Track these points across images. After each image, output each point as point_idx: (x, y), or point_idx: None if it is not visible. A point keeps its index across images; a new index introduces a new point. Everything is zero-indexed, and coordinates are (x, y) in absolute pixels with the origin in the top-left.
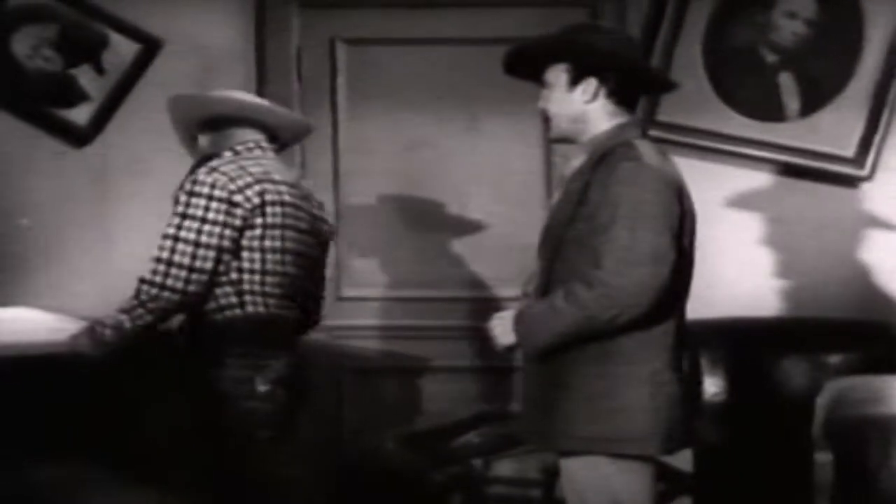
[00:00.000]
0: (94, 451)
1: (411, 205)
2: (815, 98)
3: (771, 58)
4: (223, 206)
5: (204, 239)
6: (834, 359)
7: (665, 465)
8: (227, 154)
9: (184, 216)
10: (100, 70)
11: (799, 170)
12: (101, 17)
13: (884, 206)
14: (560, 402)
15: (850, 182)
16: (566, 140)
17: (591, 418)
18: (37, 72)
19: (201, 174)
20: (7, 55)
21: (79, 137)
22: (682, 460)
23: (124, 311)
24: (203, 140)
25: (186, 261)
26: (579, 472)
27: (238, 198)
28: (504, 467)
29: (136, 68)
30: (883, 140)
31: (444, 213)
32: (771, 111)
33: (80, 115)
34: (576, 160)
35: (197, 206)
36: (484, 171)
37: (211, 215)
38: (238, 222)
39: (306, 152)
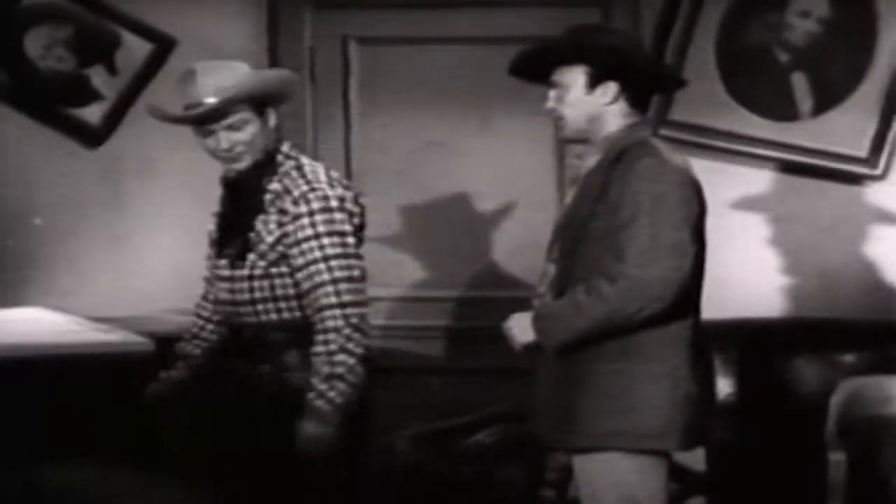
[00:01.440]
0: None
1: (423, 204)
2: (828, 97)
3: (784, 57)
4: (347, 217)
5: (352, 250)
6: (847, 359)
7: (678, 465)
8: (280, 157)
9: (330, 234)
10: (112, 70)
11: (811, 169)
12: (113, 16)
13: None
14: (578, 399)
15: (863, 181)
16: (579, 140)
17: (609, 415)
18: (50, 71)
19: (325, 188)
20: (20, 55)
21: (91, 137)
22: (695, 460)
23: (343, 364)
24: (255, 130)
25: (357, 273)
26: (595, 469)
27: (349, 206)
28: (516, 467)
29: (149, 68)
30: None
31: (456, 213)
32: (783, 111)
33: (92, 114)
34: (590, 159)
35: (343, 222)
36: (496, 171)
37: (348, 227)
38: (351, 229)
39: (319, 151)
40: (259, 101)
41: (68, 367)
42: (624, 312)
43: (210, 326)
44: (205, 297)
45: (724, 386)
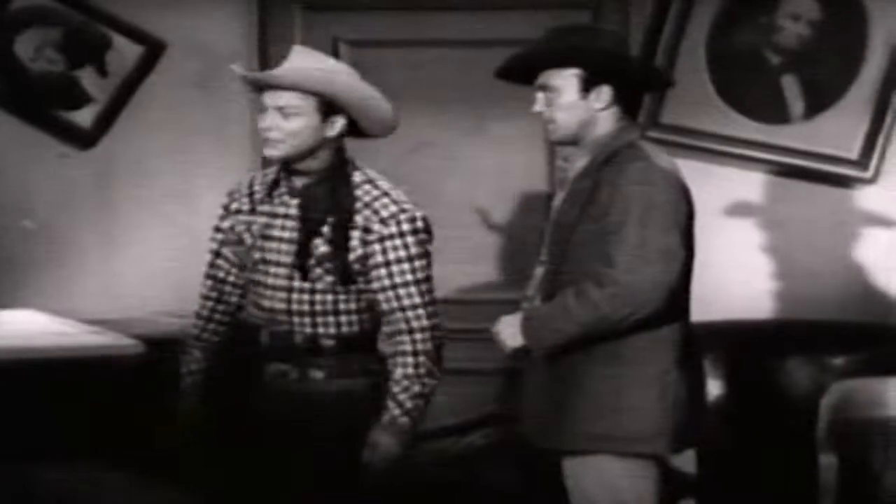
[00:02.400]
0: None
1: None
2: (819, 100)
3: (774, 60)
4: (429, 238)
5: (432, 272)
6: (838, 361)
7: (669, 468)
8: (348, 167)
9: (420, 256)
10: (103, 72)
11: (802, 172)
12: (104, 19)
13: (887, 207)
14: (568, 401)
15: (854, 184)
16: (568, 143)
17: (599, 417)
18: (40, 74)
19: (413, 209)
20: (11, 57)
21: (82, 139)
22: (686, 462)
23: (430, 385)
24: (305, 126)
25: (436, 295)
26: (585, 472)
27: (429, 226)
28: (508, 469)
29: (140, 70)
30: (887, 142)
31: (448, 215)
32: (774, 113)
33: (83, 117)
34: (579, 161)
35: (428, 244)
36: (488, 173)
37: (429, 248)
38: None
39: None
40: (327, 103)
41: (59, 370)
42: (613, 317)
43: (211, 326)
44: (209, 297)
45: (715, 388)
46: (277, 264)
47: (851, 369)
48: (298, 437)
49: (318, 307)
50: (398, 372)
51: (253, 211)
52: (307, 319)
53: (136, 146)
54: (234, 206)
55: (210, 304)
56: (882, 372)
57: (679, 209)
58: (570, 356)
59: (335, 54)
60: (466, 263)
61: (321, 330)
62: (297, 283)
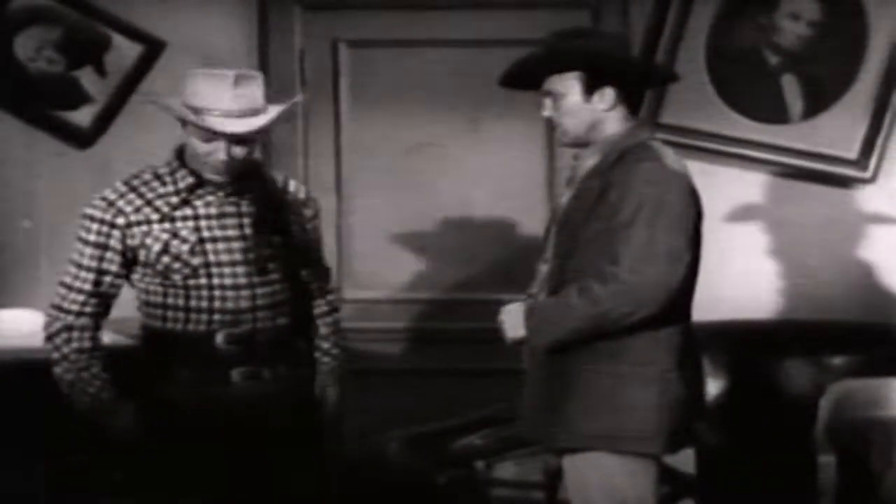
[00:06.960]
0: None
1: (413, 207)
2: (819, 100)
3: (774, 60)
4: None
5: None
6: (837, 361)
7: (668, 467)
8: None
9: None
10: (102, 72)
11: (802, 172)
12: (103, 18)
13: (887, 207)
14: (567, 400)
15: (853, 184)
16: (581, 145)
17: (597, 416)
18: (39, 73)
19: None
20: (10, 57)
21: (81, 139)
22: (685, 462)
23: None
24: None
25: None
26: (584, 470)
27: None
28: (506, 469)
29: (139, 70)
30: (886, 142)
31: (446, 215)
32: (774, 113)
33: (82, 116)
34: (589, 160)
35: None
36: (486, 173)
37: None
38: None
39: (309, 154)
40: None
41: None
42: (614, 315)
43: (97, 339)
44: (89, 313)
45: (714, 388)
46: (233, 264)
47: (850, 369)
48: (286, 436)
49: (278, 297)
50: (322, 330)
51: (169, 219)
52: (269, 313)
53: (134, 146)
54: (133, 217)
55: (91, 320)
56: (881, 372)
57: (687, 211)
58: (570, 354)
59: (335, 54)
60: (463, 263)
61: (279, 321)
62: (257, 279)
